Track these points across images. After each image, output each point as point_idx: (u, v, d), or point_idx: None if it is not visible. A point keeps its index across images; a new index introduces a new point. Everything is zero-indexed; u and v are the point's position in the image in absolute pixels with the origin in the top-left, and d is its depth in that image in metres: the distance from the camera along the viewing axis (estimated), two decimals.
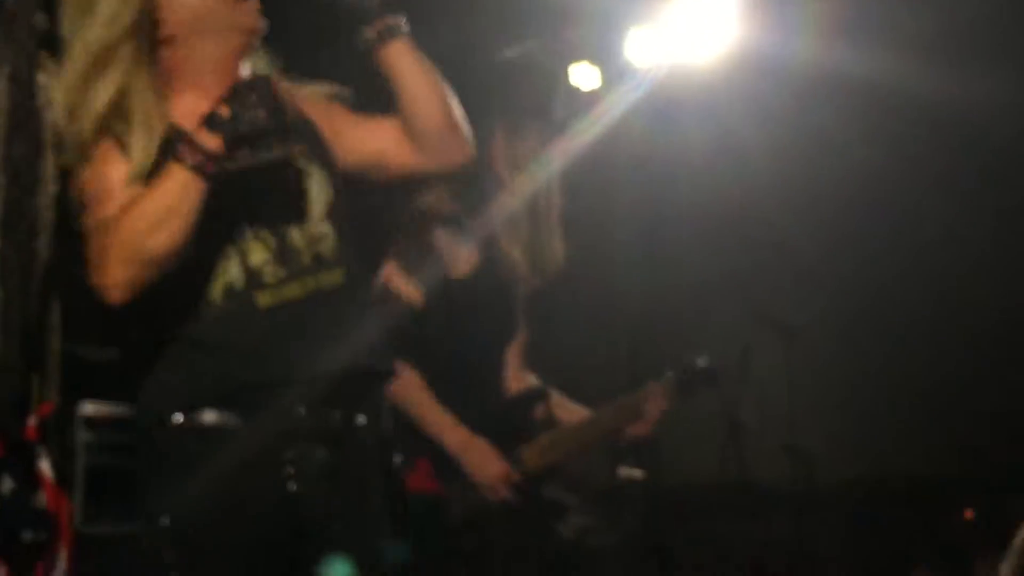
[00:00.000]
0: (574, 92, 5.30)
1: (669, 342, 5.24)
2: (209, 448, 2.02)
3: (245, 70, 2.16)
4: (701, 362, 3.61)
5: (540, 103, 3.41)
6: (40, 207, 1.81)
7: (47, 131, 1.85)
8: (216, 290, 2.07)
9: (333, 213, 2.18)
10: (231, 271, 2.08)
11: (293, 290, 2.10)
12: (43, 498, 1.95)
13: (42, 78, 1.83)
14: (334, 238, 2.15)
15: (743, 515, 5.89)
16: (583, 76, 5.65)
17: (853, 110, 5.91)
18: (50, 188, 1.81)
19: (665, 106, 6.01)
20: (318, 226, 2.16)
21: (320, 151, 2.20)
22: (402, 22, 2.19)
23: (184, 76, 2.11)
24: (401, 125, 2.24)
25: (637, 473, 5.69)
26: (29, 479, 1.91)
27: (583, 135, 4.47)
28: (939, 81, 5.44)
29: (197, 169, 1.93)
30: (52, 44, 1.97)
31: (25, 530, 1.99)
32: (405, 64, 2.20)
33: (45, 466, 1.90)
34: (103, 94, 2.02)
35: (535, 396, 3.44)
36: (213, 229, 2.01)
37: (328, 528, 2.07)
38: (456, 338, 3.25)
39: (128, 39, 2.04)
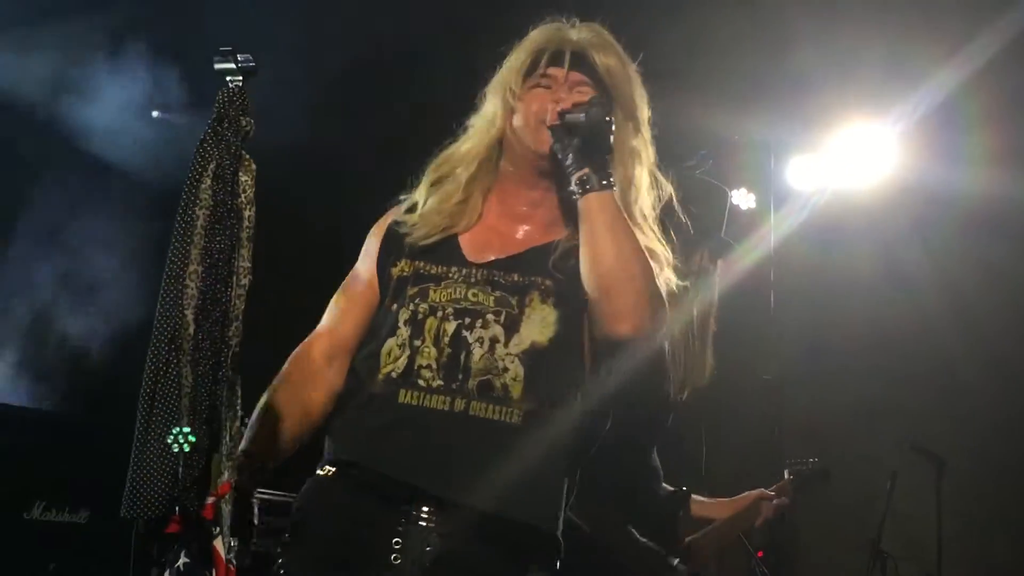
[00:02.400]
0: (734, 214, 5.35)
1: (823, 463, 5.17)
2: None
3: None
4: (814, 460, 3.73)
5: (710, 221, 3.49)
6: (233, 298, 1.91)
7: (244, 227, 1.95)
8: (382, 372, 2.19)
9: (536, 355, 2.20)
10: (399, 362, 2.18)
11: (437, 401, 2.15)
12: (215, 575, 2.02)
13: (244, 177, 1.94)
14: (522, 378, 2.17)
15: None
16: (743, 199, 5.69)
17: (1016, 237, 5.83)
18: (244, 280, 1.92)
19: (829, 231, 6.01)
20: (507, 360, 2.19)
21: (564, 292, 2.25)
22: (603, 178, 2.23)
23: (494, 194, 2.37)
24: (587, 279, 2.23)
25: None
26: (203, 557, 1.98)
27: (747, 255, 4.50)
28: None
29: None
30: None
31: None
32: (594, 219, 2.21)
33: (219, 545, 1.97)
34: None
35: (682, 497, 3.52)
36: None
37: None
38: (619, 441, 3.30)
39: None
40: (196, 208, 1.91)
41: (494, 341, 2.19)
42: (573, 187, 2.24)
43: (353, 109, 6.18)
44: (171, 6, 5.70)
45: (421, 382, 2.15)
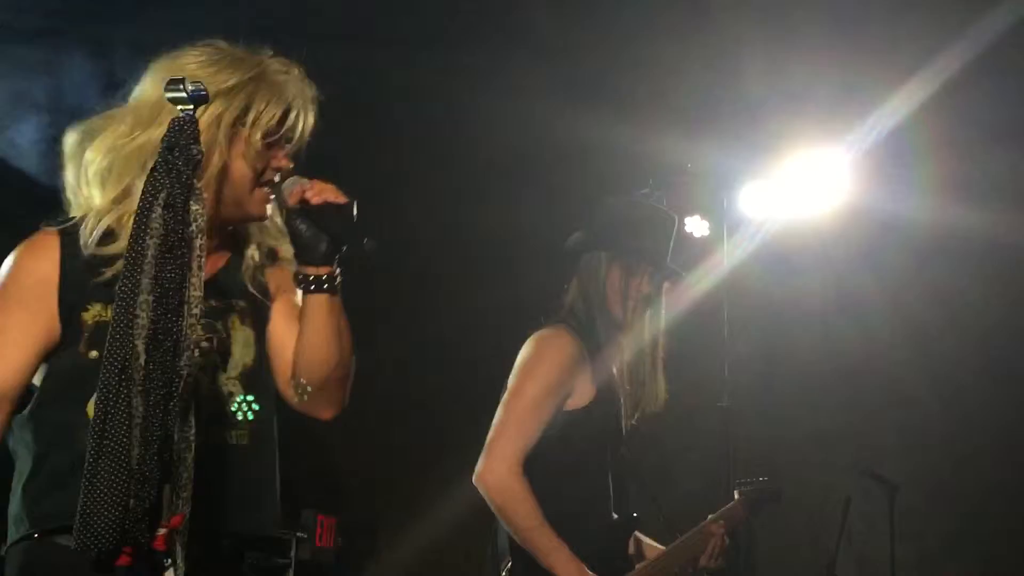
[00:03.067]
0: (687, 241, 5.38)
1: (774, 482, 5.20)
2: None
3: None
4: (764, 479, 3.73)
5: (658, 248, 3.51)
6: (184, 327, 1.90)
7: (195, 256, 1.94)
8: None
9: (250, 375, 2.31)
10: None
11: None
12: None
13: (195, 206, 1.93)
14: (245, 400, 2.28)
15: None
16: (696, 227, 5.73)
17: (968, 265, 5.91)
18: (195, 309, 1.90)
19: (780, 258, 6.06)
20: (229, 385, 2.28)
21: (258, 311, 2.34)
22: (336, 281, 2.28)
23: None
24: (295, 357, 2.32)
25: None
26: None
27: (698, 282, 4.53)
28: None
29: None
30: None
31: None
32: (324, 319, 2.28)
33: None
34: None
35: (632, 524, 3.50)
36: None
37: None
38: (572, 464, 3.31)
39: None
40: (147, 237, 1.89)
41: (214, 369, 2.26)
42: (303, 278, 2.27)
43: None
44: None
45: None
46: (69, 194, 2.31)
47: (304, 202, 2.23)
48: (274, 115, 2.26)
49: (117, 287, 1.90)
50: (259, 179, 2.28)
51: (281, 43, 2.39)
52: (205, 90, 1.99)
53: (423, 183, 6.51)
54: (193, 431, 1.95)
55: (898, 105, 5.40)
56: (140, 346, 1.86)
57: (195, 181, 1.96)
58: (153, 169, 1.95)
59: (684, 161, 5.59)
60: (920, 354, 6.07)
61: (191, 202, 1.93)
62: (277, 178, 2.29)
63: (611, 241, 3.50)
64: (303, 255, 2.27)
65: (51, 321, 2.21)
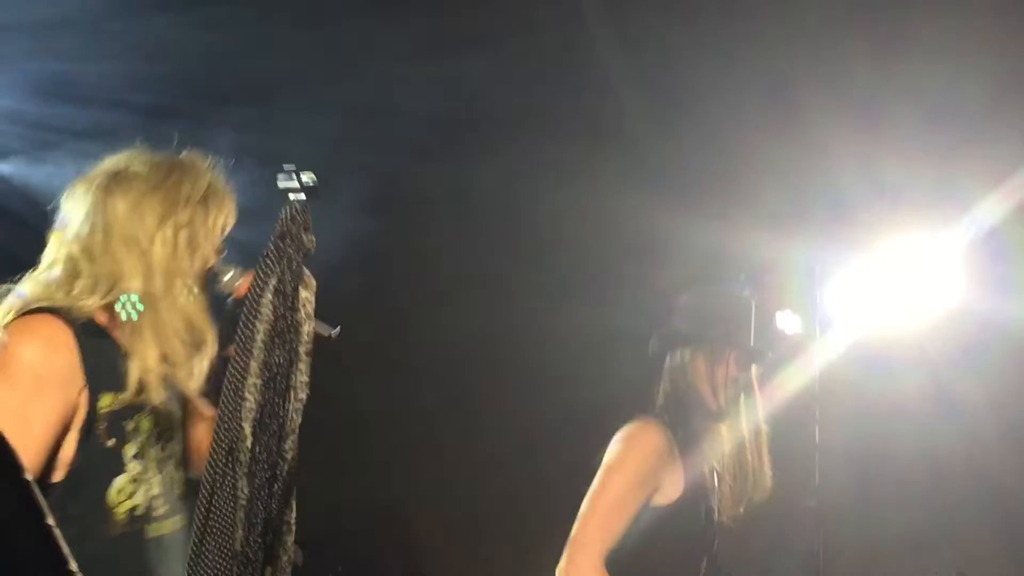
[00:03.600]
0: (779, 337, 5.33)
1: None
2: None
3: None
4: None
5: (738, 330, 3.50)
6: (290, 411, 1.92)
7: (303, 341, 1.97)
8: (119, 511, 2.21)
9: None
10: (137, 497, 2.23)
11: (169, 526, 2.27)
12: None
13: (304, 292, 1.96)
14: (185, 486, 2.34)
15: None
16: (788, 322, 5.67)
17: None
18: (301, 395, 1.93)
19: (876, 356, 5.96)
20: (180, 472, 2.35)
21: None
22: None
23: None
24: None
25: None
26: None
27: (790, 380, 4.47)
28: None
29: None
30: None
31: None
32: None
33: None
34: None
35: None
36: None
37: None
38: (658, 561, 3.27)
39: None
40: (256, 322, 1.93)
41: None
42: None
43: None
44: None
45: (156, 512, 2.25)
46: (71, 240, 2.33)
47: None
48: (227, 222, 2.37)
49: (227, 371, 1.94)
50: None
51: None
52: (317, 180, 2.04)
53: (511, 280, 6.55)
54: (294, 514, 1.97)
55: (998, 201, 5.33)
56: (247, 429, 1.88)
57: (304, 268, 2.00)
58: (264, 256, 2.00)
59: (775, 257, 5.57)
60: (1022, 458, 5.92)
61: (300, 288, 1.97)
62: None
63: (692, 332, 3.50)
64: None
65: (70, 411, 2.23)
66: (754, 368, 3.52)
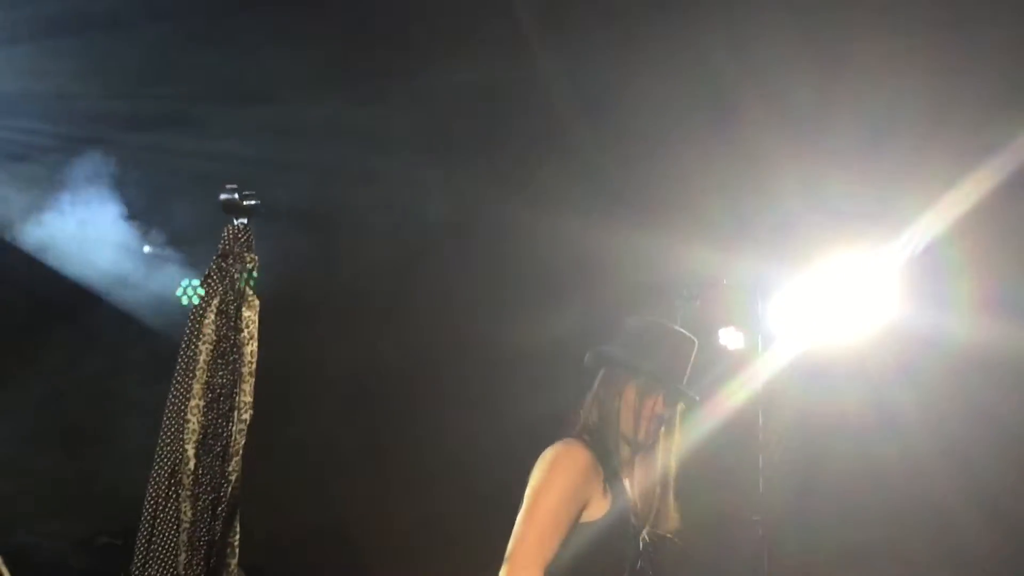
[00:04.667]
0: (721, 353, 5.37)
1: None
2: None
3: None
4: None
5: (674, 370, 3.54)
6: (234, 433, 1.91)
7: (246, 361, 1.96)
8: None
9: None
10: None
11: None
12: None
13: (247, 312, 1.95)
14: None
15: None
16: (730, 338, 5.72)
17: (1008, 382, 5.85)
18: (245, 415, 1.92)
19: (818, 371, 6.03)
20: None
21: None
22: None
23: None
24: None
25: None
26: None
27: (733, 395, 4.51)
28: None
29: None
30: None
31: None
32: None
33: None
34: None
35: None
36: None
37: None
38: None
39: None
40: (199, 342, 1.91)
41: None
42: None
43: None
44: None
45: None
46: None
47: None
48: None
49: (169, 391, 1.92)
50: None
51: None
52: (257, 201, 2.03)
53: (451, 291, 6.55)
54: (238, 536, 1.95)
55: (934, 220, 5.41)
56: (191, 451, 1.87)
57: (247, 288, 1.99)
58: (206, 276, 1.98)
59: (718, 273, 5.62)
60: (960, 470, 5.99)
61: (243, 309, 1.96)
62: None
63: (628, 359, 3.52)
64: None
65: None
66: (679, 406, 3.55)
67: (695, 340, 3.65)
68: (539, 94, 6.04)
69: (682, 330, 3.67)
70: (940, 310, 5.76)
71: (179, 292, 6.42)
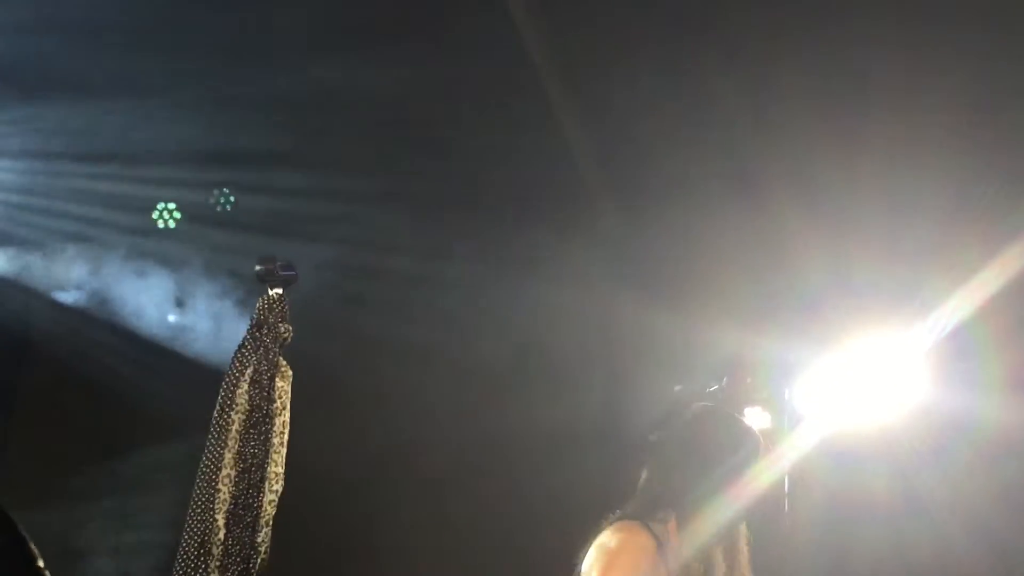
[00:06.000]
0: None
1: None
2: None
3: None
4: None
5: (719, 448, 3.47)
6: (264, 503, 1.90)
7: (278, 432, 1.96)
8: None
9: None
10: None
11: None
12: None
13: (280, 383, 1.96)
14: None
15: None
16: (757, 419, 5.68)
17: None
18: (276, 486, 1.91)
19: (845, 453, 5.97)
20: None
21: None
22: None
23: None
24: None
25: None
26: None
27: (760, 476, 4.46)
28: None
29: None
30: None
31: None
32: None
33: None
34: None
35: None
36: None
37: None
38: None
39: None
40: (231, 412, 1.92)
41: None
42: None
43: None
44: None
45: None
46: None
47: None
48: None
49: (201, 460, 1.93)
50: None
51: None
52: (294, 271, 2.05)
53: (473, 368, 6.54)
54: None
55: (963, 300, 5.39)
56: (220, 520, 1.86)
57: (280, 358, 2.00)
58: (241, 346, 1.99)
59: (745, 352, 5.60)
60: (990, 554, 5.90)
61: (276, 379, 1.97)
62: None
63: (690, 451, 3.44)
64: None
65: None
66: None
67: (760, 439, 3.55)
68: (568, 175, 6.09)
69: (742, 420, 3.59)
70: (969, 392, 5.71)
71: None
